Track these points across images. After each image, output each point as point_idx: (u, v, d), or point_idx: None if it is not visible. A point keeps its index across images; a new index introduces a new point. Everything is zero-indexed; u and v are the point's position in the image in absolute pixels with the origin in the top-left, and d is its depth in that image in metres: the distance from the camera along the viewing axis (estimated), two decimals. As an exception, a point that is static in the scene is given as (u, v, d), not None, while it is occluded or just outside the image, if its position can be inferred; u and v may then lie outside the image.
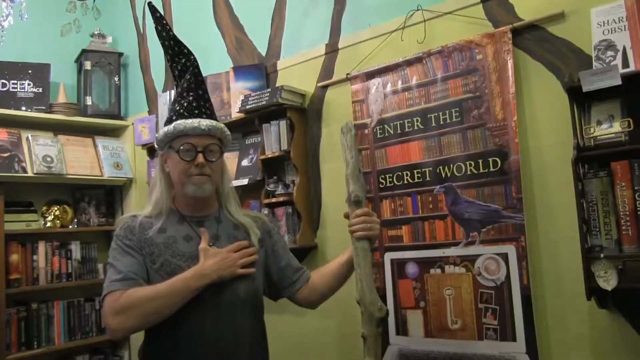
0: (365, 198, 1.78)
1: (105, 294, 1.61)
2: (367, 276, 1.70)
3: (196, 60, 1.81)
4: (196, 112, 1.72)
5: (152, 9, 1.87)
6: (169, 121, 1.73)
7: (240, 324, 1.69)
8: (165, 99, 3.23)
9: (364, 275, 1.69)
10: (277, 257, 1.87)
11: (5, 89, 3.43)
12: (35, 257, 3.37)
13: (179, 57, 1.80)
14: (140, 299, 1.57)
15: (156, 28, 1.83)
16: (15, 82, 3.46)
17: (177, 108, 1.73)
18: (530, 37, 2.03)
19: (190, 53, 1.81)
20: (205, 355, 1.62)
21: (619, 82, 1.72)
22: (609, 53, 1.84)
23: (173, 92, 3.16)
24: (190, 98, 1.73)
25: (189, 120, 1.68)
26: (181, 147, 1.67)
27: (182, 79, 1.78)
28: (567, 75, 1.92)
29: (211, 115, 1.77)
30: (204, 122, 1.70)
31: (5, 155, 3.31)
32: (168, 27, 1.82)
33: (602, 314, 1.84)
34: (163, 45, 1.82)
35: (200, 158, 1.67)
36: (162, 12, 1.91)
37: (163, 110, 3.20)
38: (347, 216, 1.76)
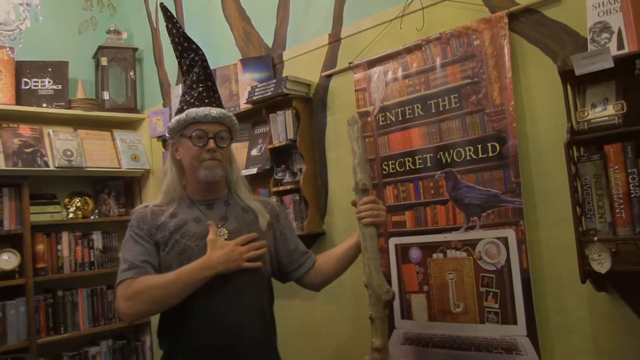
0: (371, 186, 1.84)
1: (118, 283, 1.71)
2: (374, 260, 1.77)
3: (204, 55, 1.88)
4: (206, 101, 1.80)
5: (164, 9, 1.97)
6: (180, 111, 1.82)
7: (250, 303, 1.76)
8: (178, 91, 3.30)
9: (371, 259, 1.76)
10: (285, 241, 1.93)
11: (27, 87, 3.55)
12: (59, 247, 3.51)
13: (188, 52, 1.87)
14: (148, 286, 1.66)
15: (167, 26, 1.92)
16: (37, 80, 3.58)
17: (188, 98, 1.81)
18: (527, 21, 2.03)
19: (198, 48, 1.88)
20: (215, 334, 1.70)
21: (611, 64, 1.71)
22: (604, 35, 1.83)
23: (182, 85, 3.24)
24: (200, 89, 1.81)
25: (200, 109, 1.77)
26: (193, 134, 1.75)
27: (191, 72, 1.86)
28: (562, 59, 1.91)
29: (220, 105, 1.85)
30: (215, 110, 1.78)
31: (29, 150, 3.44)
32: (178, 24, 1.91)
33: (600, 297, 1.85)
34: (173, 42, 1.91)
35: (211, 144, 1.75)
36: (173, 8, 2.00)
37: (176, 103, 3.28)
38: (354, 203, 1.82)
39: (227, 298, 1.72)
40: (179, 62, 1.91)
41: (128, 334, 3.82)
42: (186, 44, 1.88)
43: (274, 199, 2.69)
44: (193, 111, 1.77)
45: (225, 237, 1.76)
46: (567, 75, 1.83)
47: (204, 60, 1.87)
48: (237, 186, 1.90)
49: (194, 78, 1.83)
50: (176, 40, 1.89)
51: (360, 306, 2.48)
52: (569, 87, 1.86)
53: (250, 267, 1.72)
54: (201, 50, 1.88)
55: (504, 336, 2.06)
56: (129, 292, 1.67)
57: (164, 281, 1.66)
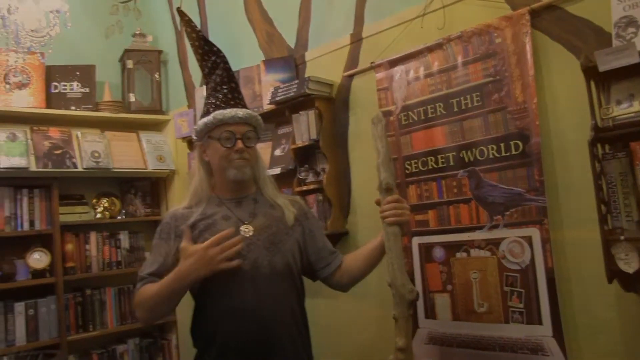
0: (395, 185, 1.84)
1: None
2: (398, 260, 1.76)
3: (225, 57, 1.91)
4: (232, 102, 1.83)
5: (181, 13, 2.00)
6: (206, 113, 1.85)
7: (279, 294, 1.78)
8: (202, 93, 3.33)
9: (395, 259, 1.76)
10: (313, 239, 1.95)
11: (56, 90, 3.64)
12: (87, 247, 3.59)
13: (209, 55, 1.90)
14: (144, 297, 1.76)
15: (186, 30, 1.95)
16: (65, 83, 3.66)
17: (213, 101, 1.85)
18: (549, 17, 2.00)
19: (219, 50, 1.91)
20: (247, 325, 1.72)
21: (637, 59, 1.68)
22: (630, 30, 1.80)
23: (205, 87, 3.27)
24: (225, 90, 1.84)
25: (227, 110, 1.80)
26: (222, 135, 1.79)
27: (214, 74, 1.88)
28: (586, 55, 1.88)
29: (245, 106, 1.88)
30: (241, 111, 1.81)
31: (58, 152, 3.52)
32: (197, 28, 1.94)
33: (628, 297, 1.81)
34: (192, 45, 1.94)
35: (239, 144, 1.79)
36: (197, 11, 2.03)
37: (200, 104, 3.32)
38: (378, 203, 1.82)
39: (257, 294, 1.74)
40: (201, 65, 1.94)
41: (154, 333, 3.88)
42: (206, 47, 1.91)
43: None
44: (220, 113, 1.80)
45: (250, 233, 1.79)
46: (590, 72, 1.81)
47: (225, 62, 1.89)
48: (264, 184, 1.93)
49: (218, 80, 1.86)
50: (196, 43, 1.92)
51: (385, 306, 2.48)
52: (592, 83, 1.83)
53: (226, 267, 1.69)
54: (222, 52, 1.91)
55: (529, 336, 2.03)
56: (136, 301, 1.80)
57: (153, 292, 1.73)
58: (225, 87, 1.85)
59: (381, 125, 1.86)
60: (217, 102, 1.83)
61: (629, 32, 1.79)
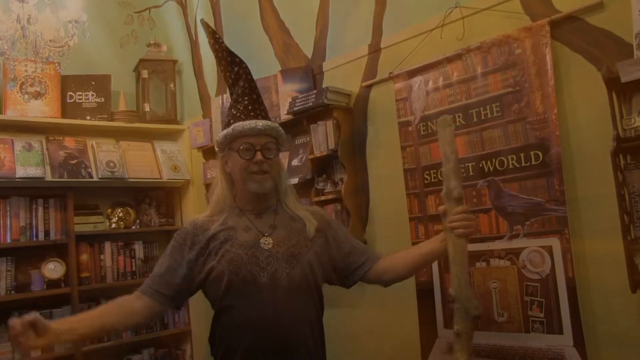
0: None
1: None
2: (464, 273, 1.72)
3: (247, 67, 1.92)
4: (252, 114, 1.84)
5: (205, 24, 2.01)
6: (227, 125, 1.86)
7: (298, 306, 1.78)
8: (218, 103, 3.36)
9: (461, 272, 1.72)
10: (339, 245, 1.94)
11: (72, 100, 3.67)
12: (102, 257, 3.60)
13: (232, 66, 1.91)
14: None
15: (209, 42, 1.96)
16: (81, 93, 3.69)
17: (234, 112, 1.86)
18: (569, 29, 2.01)
19: (241, 61, 1.92)
20: (265, 337, 1.73)
21: (659, 71, 1.70)
22: (651, 41, 1.82)
23: (226, 96, 3.29)
24: (246, 102, 1.86)
25: (247, 122, 1.81)
26: (241, 147, 1.79)
27: (236, 85, 1.90)
28: (607, 66, 1.90)
29: (266, 117, 1.89)
30: (260, 123, 1.82)
31: (74, 162, 3.54)
32: (221, 40, 1.95)
33: (649, 307, 1.83)
34: (216, 57, 1.95)
35: (258, 156, 1.79)
36: (212, 21, 2.04)
37: (216, 114, 3.35)
38: (444, 212, 1.77)
39: (276, 306, 1.74)
40: (224, 76, 1.95)
41: (169, 343, 3.88)
42: (229, 58, 1.92)
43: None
44: (239, 125, 1.81)
45: (270, 246, 1.79)
46: (612, 83, 1.82)
47: (247, 73, 1.91)
48: (285, 196, 1.93)
49: (239, 92, 1.88)
50: (219, 55, 1.93)
51: (406, 315, 2.49)
52: (614, 94, 1.84)
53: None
54: (244, 63, 1.92)
55: (549, 346, 2.03)
56: None
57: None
58: (246, 98, 1.86)
59: (450, 129, 1.76)
60: (238, 114, 1.84)
61: (651, 43, 1.81)
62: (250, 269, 1.75)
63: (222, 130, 1.89)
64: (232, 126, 1.82)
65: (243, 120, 1.82)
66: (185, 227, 1.90)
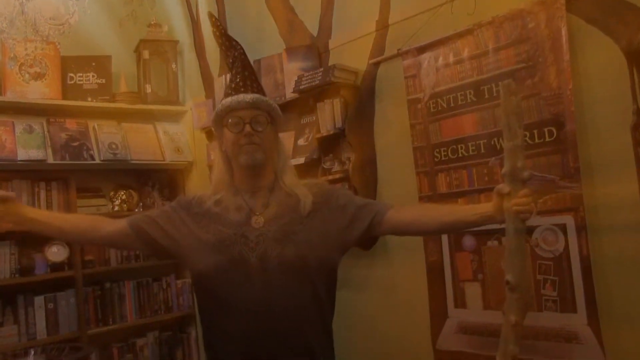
0: None
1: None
2: (524, 261, 1.58)
3: (242, 48, 1.88)
4: (242, 89, 1.80)
5: (210, 16, 1.99)
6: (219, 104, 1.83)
7: (290, 287, 1.70)
8: (221, 82, 3.31)
9: (522, 259, 1.57)
10: (343, 212, 1.82)
11: (72, 82, 3.61)
12: (106, 239, 3.56)
13: (230, 50, 1.89)
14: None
15: (214, 32, 1.94)
16: (81, 74, 3.63)
17: (228, 91, 1.82)
18: (585, 0, 1.96)
19: (237, 44, 1.89)
20: (256, 321, 1.67)
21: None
22: (670, 12, 1.77)
23: (229, 76, 3.24)
24: (238, 79, 1.82)
25: (234, 97, 1.77)
26: (229, 121, 1.76)
27: (233, 67, 1.87)
28: (626, 38, 1.85)
29: (257, 91, 1.82)
30: (248, 96, 1.77)
31: (75, 144, 3.50)
32: (222, 28, 1.93)
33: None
34: (221, 46, 1.93)
35: (247, 128, 1.73)
36: (215, 1, 2.01)
37: (219, 94, 3.30)
38: (507, 192, 1.55)
39: (265, 287, 1.68)
40: (225, 61, 1.94)
41: (174, 326, 3.87)
42: (227, 43, 1.89)
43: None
44: (227, 100, 1.77)
45: (260, 225, 1.74)
46: (632, 55, 1.78)
47: (242, 53, 1.87)
48: (282, 172, 1.87)
49: (234, 71, 1.86)
50: (219, 41, 1.92)
51: (415, 295, 2.47)
52: (634, 67, 1.80)
53: None
54: (240, 45, 1.89)
55: (563, 325, 2.02)
56: None
57: None
58: (238, 76, 1.83)
59: (516, 98, 1.50)
60: (229, 91, 1.81)
61: (669, 14, 1.76)
62: (240, 250, 1.69)
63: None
64: (222, 102, 1.79)
65: (232, 95, 1.78)
66: (187, 197, 1.88)
